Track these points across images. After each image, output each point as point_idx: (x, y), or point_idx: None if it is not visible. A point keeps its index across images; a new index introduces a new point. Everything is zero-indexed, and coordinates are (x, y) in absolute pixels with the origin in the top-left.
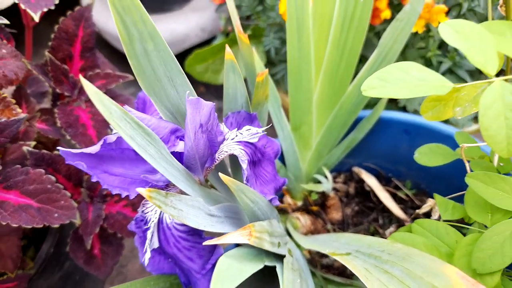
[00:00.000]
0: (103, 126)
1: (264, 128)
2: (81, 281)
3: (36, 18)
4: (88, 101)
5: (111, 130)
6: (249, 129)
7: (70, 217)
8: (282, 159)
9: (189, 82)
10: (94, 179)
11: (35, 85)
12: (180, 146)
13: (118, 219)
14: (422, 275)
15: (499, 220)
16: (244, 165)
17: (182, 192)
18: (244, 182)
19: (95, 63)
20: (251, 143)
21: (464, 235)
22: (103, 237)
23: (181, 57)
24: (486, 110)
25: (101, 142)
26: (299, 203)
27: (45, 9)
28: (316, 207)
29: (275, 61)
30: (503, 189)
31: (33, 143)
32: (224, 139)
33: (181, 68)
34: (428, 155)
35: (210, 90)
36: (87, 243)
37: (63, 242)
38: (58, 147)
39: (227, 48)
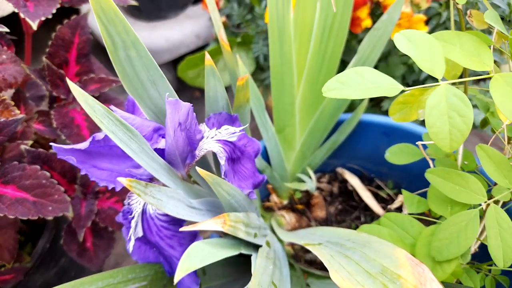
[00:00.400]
0: (96, 127)
1: (241, 128)
2: (76, 277)
3: (34, 27)
4: None
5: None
6: (228, 129)
7: (63, 210)
8: (267, 159)
9: (170, 85)
10: (83, 173)
11: (33, 89)
12: (162, 143)
13: (110, 214)
14: (376, 257)
15: (457, 212)
16: (222, 161)
17: (164, 186)
18: (222, 176)
19: (90, 68)
20: (230, 142)
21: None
22: (95, 231)
23: (177, 62)
24: (431, 109)
25: (90, 139)
26: (285, 202)
27: (43, 18)
28: (301, 206)
29: (264, 67)
30: (460, 184)
31: (30, 142)
32: (202, 137)
33: (162, 73)
34: (398, 154)
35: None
36: (79, 236)
37: (59, 239)
38: (50, 143)
39: (207, 55)
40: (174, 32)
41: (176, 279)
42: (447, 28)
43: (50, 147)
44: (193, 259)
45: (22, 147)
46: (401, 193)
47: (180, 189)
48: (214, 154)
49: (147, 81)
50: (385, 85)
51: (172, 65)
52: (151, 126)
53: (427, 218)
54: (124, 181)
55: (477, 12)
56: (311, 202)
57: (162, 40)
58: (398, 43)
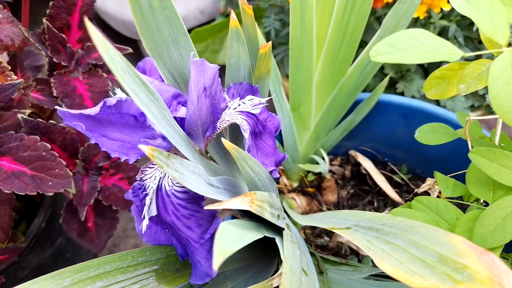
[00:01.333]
0: (100, 98)
1: (266, 99)
2: (72, 258)
3: None
4: (85, 72)
5: None
6: (252, 99)
7: (65, 186)
8: (280, 139)
9: (193, 45)
10: (92, 141)
11: (30, 58)
12: (181, 112)
13: (114, 191)
14: (427, 244)
15: (501, 197)
16: (246, 134)
17: (184, 158)
18: (246, 152)
19: None
20: (253, 114)
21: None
22: (97, 210)
23: None
24: (495, 79)
25: (100, 104)
26: (295, 184)
27: None
28: (312, 189)
29: (275, 43)
30: (506, 166)
31: (28, 111)
32: (227, 106)
33: (185, 30)
34: (430, 134)
35: None
36: (81, 215)
37: (56, 217)
38: (56, 107)
39: (232, 14)
40: (177, 7)
41: (215, 265)
42: None
43: (48, 119)
44: (227, 242)
45: (19, 116)
46: (416, 179)
47: (199, 164)
48: (231, 130)
49: (168, 38)
50: (443, 49)
51: None
52: (170, 91)
53: (459, 202)
54: (145, 149)
55: None
56: (322, 186)
57: None
58: (456, 4)
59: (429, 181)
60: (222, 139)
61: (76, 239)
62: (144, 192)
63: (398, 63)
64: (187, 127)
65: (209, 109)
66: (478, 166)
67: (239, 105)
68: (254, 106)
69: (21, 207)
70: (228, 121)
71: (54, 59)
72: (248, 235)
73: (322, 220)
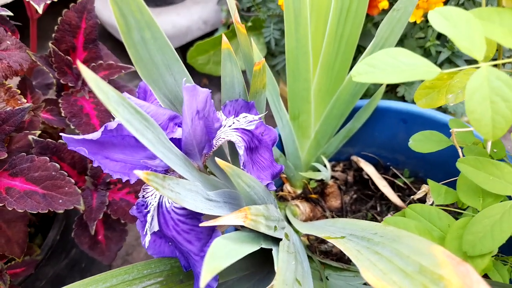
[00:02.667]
0: (106, 116)
1: (260, 116)
2: (87, 268)
3: (40, 10)
4: (92, 91)
5: (114, 119)
6: (246, 116)
7: (74, 203)
8: (281, 148)
9: (186, 70)
10: (95, 164)
11: (40, 77)
12: (178, 133)
13: (121, 205)
14: (410, 254)
15: (490, 204)
16: (241, 151)
17: (181, 178)
18: (241, 167)
19: (98, 54)
20: (248, 130)
21: (457, 219)
22: (107, 223)
23: (184, 49)
24: (472, 94)
25: (102, 129)
26: (299, 191)
27: (49, 1)
28: (315, 195)
29: (275, 52)
30: (494, 174)
31: (38, 132)
32: (221, 126)
33: (178, 57)
34: (423, 142)
35: (213, 82)
36: (91, 229)
37: (70, 230)
38: (61, 133)
39: (224, 37)
40: (181, 18)
41: (202, 284)
42: (466, 9)
43: (59, 137)
44: (218, 258)
45: (30, 137)
46: (418, 182)
47: (197, 181)
48: (230, 144)
49: (162, 65)
50: (421, 67)
51: (179, 52)
52: (166, 114)
53: (452, 209)
54: (140, 174)
55: None
56: (325, 192)
57: (169, 26)
58: (434, 22)
59: (424, 187)
60: (216, 158)
61: (87, 251)
62: (146, 210)
63: (380, 82)
64: (184, 147)
65: (203, 130)
66: (466, 175)
67: (233, 123)
68: (248, 122)
69: (36, 220)
70: (224, 138)
71: (61, 81)
72: (242, 249)
73: (321, 228)
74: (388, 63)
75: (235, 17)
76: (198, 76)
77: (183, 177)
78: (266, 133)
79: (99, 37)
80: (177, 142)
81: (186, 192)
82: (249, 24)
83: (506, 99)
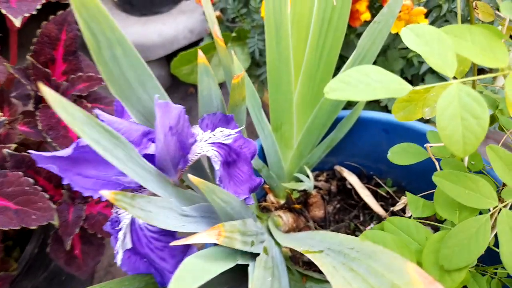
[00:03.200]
0: None
1: (237, 130)
2: (67, 281)
3: (17, 24)
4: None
5: None
6: (222, 131)
7: (48, 219)
8: (264, 158)
9: (160, 86)
10: (65, 182)
11: (20, 87)
12: (152, 148)
13: (99, 219)
14: (384, 272)
15: (467, 217)
16: (217, 166)
17: (154, 195)
18: (217, 182)
19: (78, 66)
20: (225, 144)
21: (437, 231)
22: (84, 238)
23: (170, 58)
24: (443, 111)
25: (73, 145)
26: (282, 201)
27: (27, 14)
28: (298, 205)
29: (260, 62)
30: (470, 187)
31: (14, 145)
32: (195, 141)
33: (151, 72)
34: (400, 154)
35: None
36: (66, 244)
37: (48, 243)
38: (29, 151)
39: (200, 53)
40: (168, 27)
41: None
42: (447, 21)
43: (38, 148)
44: (185, 281)
45: (5, 151)
46: (400, 192)
47: (172, 197)
48: (209, 157)
49: (135, 82)
50: (392, 85)
51: (165, 61)
52: (140, 130)
53: (431, 223)
54: (107, 194)
55: (483, 4)
56: (308, 202)
57: (155, 35)
58: (406, 39)
59: (404, 199)
60: (189, 175)
61: (63, 267)
62: (118, 227)
63: (352, 100)
64: (157, 163)
65: (177, 145)
66: (442, 189)
67: (210, 137)
68: (225, 137)
69: (14, 234)
70: (199, 153)
71: (38, 93)
72: (214, 267)
73: (302, 241)
74: (360, 80)
75: (214, 30)
76: (185, 85)
77: (156, 194)
78: (245, 146)
79: (82, 47)
80: (151, 157)
81: (158, 209)
82: (234, 34)
83: (476, 116)
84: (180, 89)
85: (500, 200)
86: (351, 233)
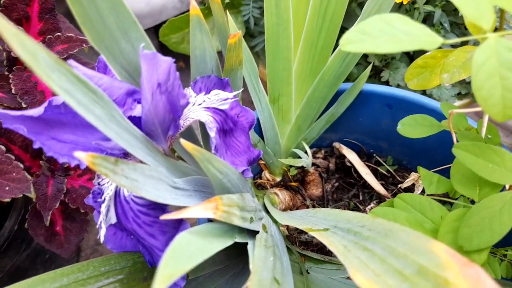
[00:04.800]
0: None
1: (235, 93)
2: (51, 259)
3: None
4: None
5: None
6: (218, 94)
7: (23, 191)
8: (260, 133)
9: (146, 36)
10: (36, 146)
11: None
12: (138, 110)
13: (81, 193)
14: (407, 252)
15: (488, 194)
16: (212, 133)
17: (141, 163)
18: (213, 151)
19: (55, 26)
20: (221, 110)
21: (449, 210)
22: (65, 213)
23: (158, 29)
24: (479, 68)
25: (45, 104)
26: (278, 179)
27: None
28: (295, 183)
29: (255, 33)
30: (494, 161)
31: None
32: (188, 103)
33: (136, 20)
34: (413, 126)
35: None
36: (46, 219)
37: (27, 218)
38: None
39: (192, 1)
40: None
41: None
42: None
43: None
44: (179, 260)
45: None
46: (402, 170)
47: (161, 166)
48: (202, 125)
49: (116, 30)
50: (422, 36)
51: (153, 32)
52: (123, 88)
53: (443, 199)
54: (84, 156)
55: None
56: (306, 179)
57: (142, 3)
58: None
59: (413, 175)
60: (181, 140)
61: (43, 244)
62: (101, 199)
63: (372, 52)
64: (144, 127)
65: (167, 107)
66: (463, 162)
67: (204, 101)
68: (221, 101)
69: None
70: (192, 118)
71: (12, 54)
72: (211, 245)
73: (302, 219)
74: (384, 30)
75: None
76: (174, 58)
77: (143, 162)
78: (242, 114)
79: (66, 16)
80: (137, 121)
81: (146, 179)
82: (227, 0)
83: None
84: (170, 48)
85: None
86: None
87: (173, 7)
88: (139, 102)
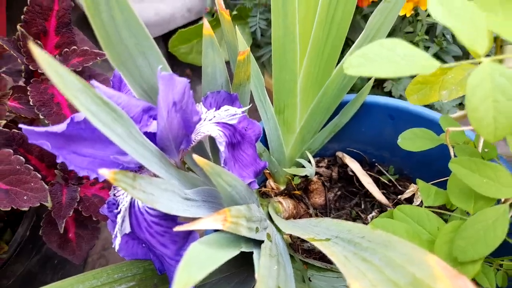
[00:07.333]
0: None
1: (243, 109)
2: (61, 265)
3: None
4: None
5: None
6: (228, 110)
7: (41, 200)
8: (265, 142)
9: (163, 57)
10: (59, 160)
11: (11, 62)
12: (153, 126)
13: (94, 202)
14: (403, 263)
15: (483, 207)
16: (222, 147)
17: (155, 176)
18: (222, 165)
19: (71, 39)
20: (230, 125)
21: (446, 221)
22: (78, 221)
23: (167, 38)
24: (473, 90)
25: (68, 121)
26: (282, 187)
27: None
28: (299, 192)
29: (261, 43)
30: (488, 176)
31: (3, 122)
32: (200, 119)
33: (153, 42)
34: (412, 140)
35: (196, 73)
36: (60, 227)
37: (41, 225)
38: (20, 125)
39: (205, 22)
40: (165, 5)
41: None
42: None
43: (32, 123)
44: (192, 269)
45: None
46: (403, 180)
47: (174, 179)
48: (211, 139)
49: (135, 50)
50: (420, 60)
51: (162, 40)
52: (140, 106)
53: (441, 211)
54: (107, 173)
55: None
56: (309, 188)
57: (152, 13)
58: (434, 12)
59: (413, 187)
60: (194, 155)
61: (56, 250)
62: (116, 210)
63: (373, 74)
64: (159, 142)
65: (180, 124)
66: (460, 177)
67: (214, 116)
68: (230, 116)
69: (4, 215)
70: (203, 133)
71: (30, 67)
72: (220, 254)
73: (305, 228)
74: (384, 55)
75: (219, 2)
76: (181, 66)
77: (157, 175)
78: (249, 127)
79: (78, 23)
80: (152, 136)
81: (161, 192)
82: (234, 12)
83: (511, 97)
84: (175, 71)
85: None
86: (352, 221)
87: (181, 16)
88: (154, 119)
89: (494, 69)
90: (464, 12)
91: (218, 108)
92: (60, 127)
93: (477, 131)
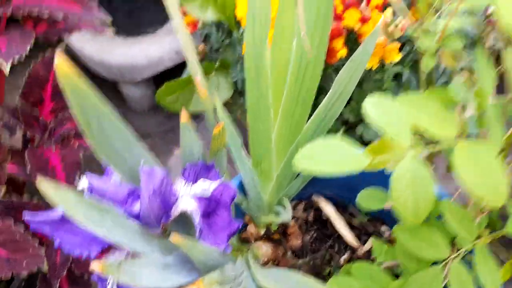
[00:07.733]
0: (73, 169)
1: (218, 181)
2: None
3: (6, 70)
4: (58, 143)
5: (81, 175)
6: (204, 183)
7: (38, 264)
8: (244, 192)
9: (146, 153)
10: (57, 243)
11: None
12: (137, 207)
13: (85, 260)
14: None
15: (424, 266)
16: (197, 219)
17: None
18: (197, 235)
19: (65, 104)
20: (206, 198)
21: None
22: (71, 279)
23: (156, 78)
24: (398, 180)
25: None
26: (262, 231)
27: (17, 56)
28: (277, 235)
29: (243, 91)
30: (426, 239)
31: (3, 189)
32: (177, 199)
33: (138, 142)
34: (368, 200)
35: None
36: (55, 287)
37: (35, 279)
38: (24, 214)
39: (183, 112)
40: (153, 48)
41: None
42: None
43: (24, 186)
44: None
45: None
46: (375, 220)
47: (155, 251)
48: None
49: (122, 150)
50: (351, 158)
51: (152, 81)
52: (125, 190)
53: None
54: (97, 266)
55: (447, 52)
56: (287, 231)
57: (142, 56)
58: (369, 113)
59: (371, 241)
60: (171, 235)
61: None
62: (106, 283)
63: (317, 172)
64: (142, 220)
65: (160, 205)
66: (402, 242)
67: (190, 191)
68: (205, 190)
69: None
70: (181, 208)
71: (27, 134)
72: None
73: (279, 281)
74: (324, 154)
75: (198, 84)
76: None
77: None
78: (225, 191)
79: None
80: (136, 214)
81: (141, 269)
82: (217, 64)
83: (425, 190)
84: (165, 109)
85: (453, 249)
86: (326, 262)
87: (169, 59)
88: (138, 199)
89: (415, 162)
90: (391, 112)
91: (196, 178)
92: (56, 214)
93: (401, 213)
